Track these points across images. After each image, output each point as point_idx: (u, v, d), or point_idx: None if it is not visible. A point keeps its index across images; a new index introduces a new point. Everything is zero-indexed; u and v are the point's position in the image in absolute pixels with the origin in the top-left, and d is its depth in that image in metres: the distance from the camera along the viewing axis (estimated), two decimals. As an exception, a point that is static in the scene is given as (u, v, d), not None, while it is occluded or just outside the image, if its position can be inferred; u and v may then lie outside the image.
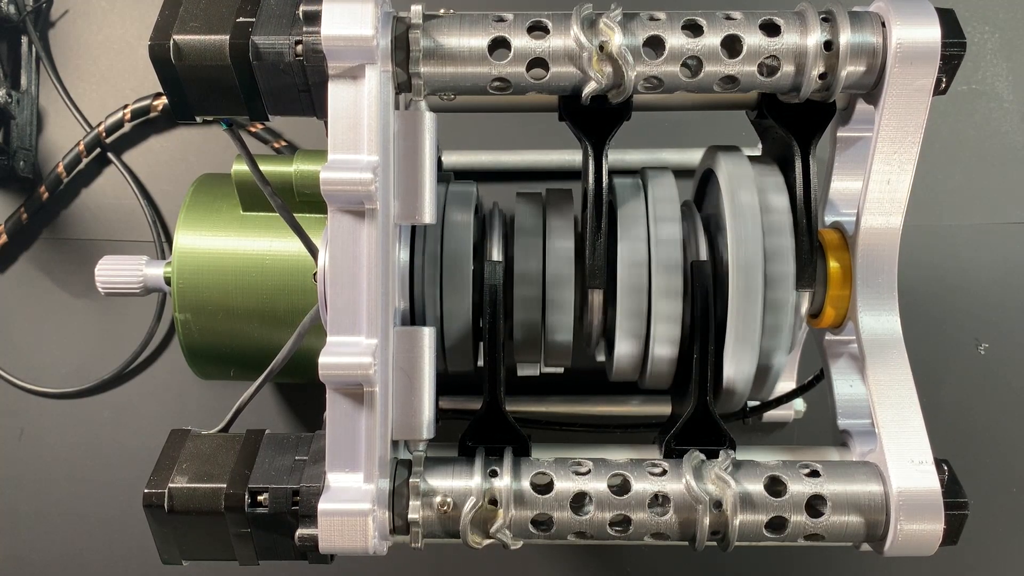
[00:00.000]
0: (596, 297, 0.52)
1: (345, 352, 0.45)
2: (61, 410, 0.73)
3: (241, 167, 0.57)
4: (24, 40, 0.74)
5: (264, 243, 0.59)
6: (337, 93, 0.46)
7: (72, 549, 0.72)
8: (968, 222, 0.72)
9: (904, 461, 0.46)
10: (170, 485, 0.47)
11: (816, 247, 0.51)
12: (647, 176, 0.54)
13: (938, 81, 0.47)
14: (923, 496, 0.46)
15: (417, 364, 0.47)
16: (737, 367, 0.50)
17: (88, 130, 0.73)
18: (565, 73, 0.47)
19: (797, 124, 0.51)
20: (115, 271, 0.61)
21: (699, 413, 0.50)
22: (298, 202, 0.59)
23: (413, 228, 0.52)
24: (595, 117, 0.50)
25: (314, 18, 0.45)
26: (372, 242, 0.46)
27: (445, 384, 0.52)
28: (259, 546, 0.48)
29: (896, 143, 0.48)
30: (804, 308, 0.52)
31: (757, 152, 0.59)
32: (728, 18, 0.47)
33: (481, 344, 0.50)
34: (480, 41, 0.47)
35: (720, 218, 0.52)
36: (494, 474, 0.47)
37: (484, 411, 0.50)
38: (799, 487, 0.46)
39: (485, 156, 0.70)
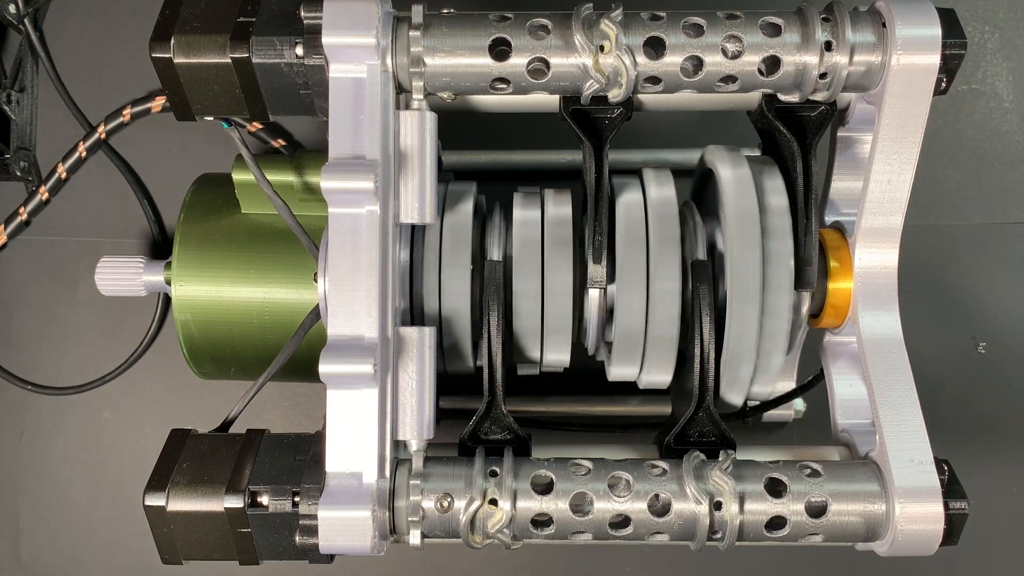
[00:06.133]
0: (595, 296, 0.52)
1: (345, 352, 0.45)
2: (61, 409, 0.73)
3: (241, 167, 0.57)
4: (24, 40, 0.73)
5: (264, 243, 0.59)
6: (337, 93, 0.46)
7: (72, 549, 0.72)
8: (968, 222, 0.72)
9: (904, 461, 0.46)
10: (170, 485, 0.47)
11: (816, 247, 0.51)
12: (647, 176, 0.54)
13: (938, 81, 0.47)
14: (923, 496, 0.46)
15: (417, 364, 0.47)
16: (736, 367, 0.50)
17: (88, 130, 0.73)
18: (565, 73, 0.47)
19: (797, 124, 0.51)
20: (115, 271, 0.61)
21: (699, 413, 0.50)
22: (298, 202, 0.59)
23: (413, 228, 0.52)
24: (595, 117, 0.50)
25: (315, 18, 0.45)
26: (372, 242, 0.46)
27: (445, 384, 0.52)
28: (259, 546, 0.47)
29: (896, 143, 0.48)
30: (804, 308, 0.52)
31: (757, 152, 0.59)
32: (729, 18, 0.47)
33: (481, 344, 0.50)
34: (481, 41, 0.47)
35: (719, 218, 0.52)
36: (494, 474, 0.47)
37: (484, 411, 0.50)
38: (799, 487, 0.46)
39: (485, 156, 0.70)
